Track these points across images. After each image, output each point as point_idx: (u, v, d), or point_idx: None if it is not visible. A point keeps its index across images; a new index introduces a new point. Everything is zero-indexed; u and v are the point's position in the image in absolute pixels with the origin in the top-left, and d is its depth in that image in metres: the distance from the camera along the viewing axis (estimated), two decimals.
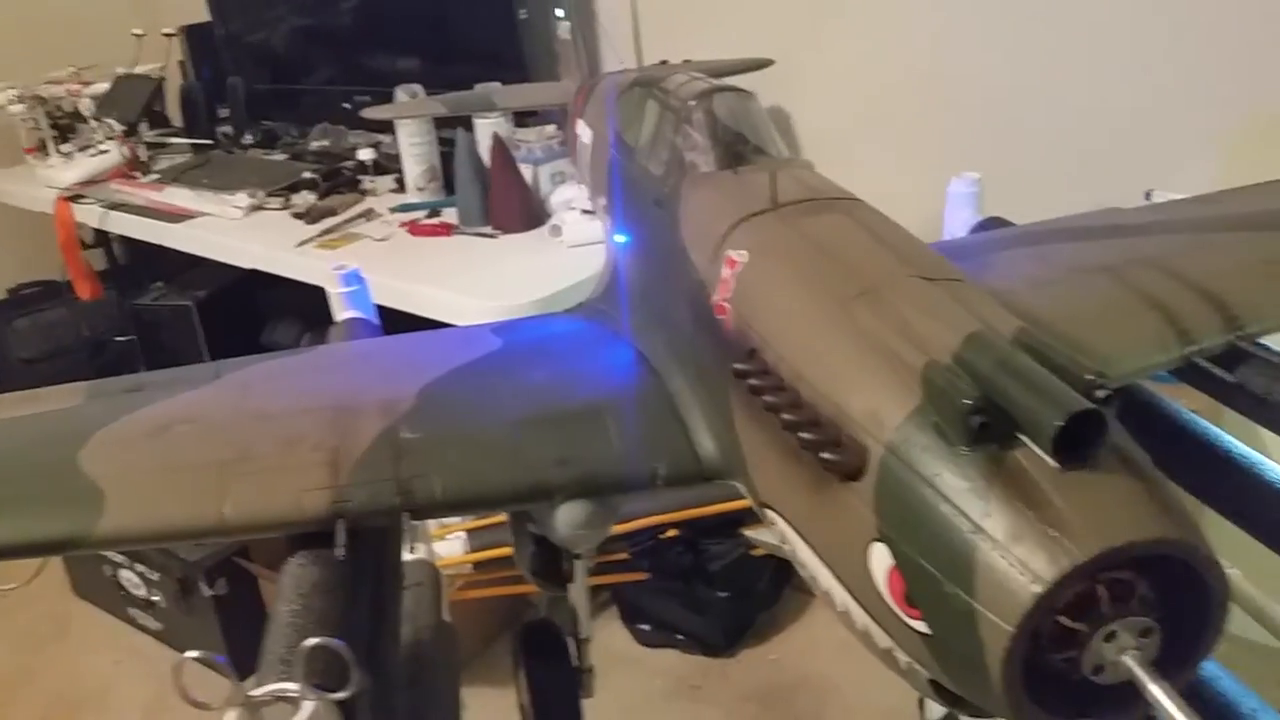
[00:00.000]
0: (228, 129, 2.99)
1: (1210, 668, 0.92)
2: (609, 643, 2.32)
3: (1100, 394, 0.51)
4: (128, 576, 2.37)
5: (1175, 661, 0.50)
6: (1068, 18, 1.93)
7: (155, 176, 2.68)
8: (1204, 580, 0.48)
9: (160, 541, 0.76)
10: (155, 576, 2.30)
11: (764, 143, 0.92)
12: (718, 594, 2.21)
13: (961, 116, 2.08)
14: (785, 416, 0.62)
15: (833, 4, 2.18)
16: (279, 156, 2.82)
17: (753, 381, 0.67)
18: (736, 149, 0.90)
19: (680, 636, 2.27)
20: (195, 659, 0.59)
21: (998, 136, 2.04)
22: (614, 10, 2.26)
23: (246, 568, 2.19)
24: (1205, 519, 0.93)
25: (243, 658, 0.74)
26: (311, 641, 0.60)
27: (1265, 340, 0.85)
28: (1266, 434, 0.86)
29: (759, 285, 0.73)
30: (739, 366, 0.69)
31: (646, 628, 2.30)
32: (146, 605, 2.39)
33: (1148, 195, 1.68)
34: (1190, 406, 0.95)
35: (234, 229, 2.34)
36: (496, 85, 2.16)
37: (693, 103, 0.93)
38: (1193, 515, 0.50)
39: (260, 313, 2.78)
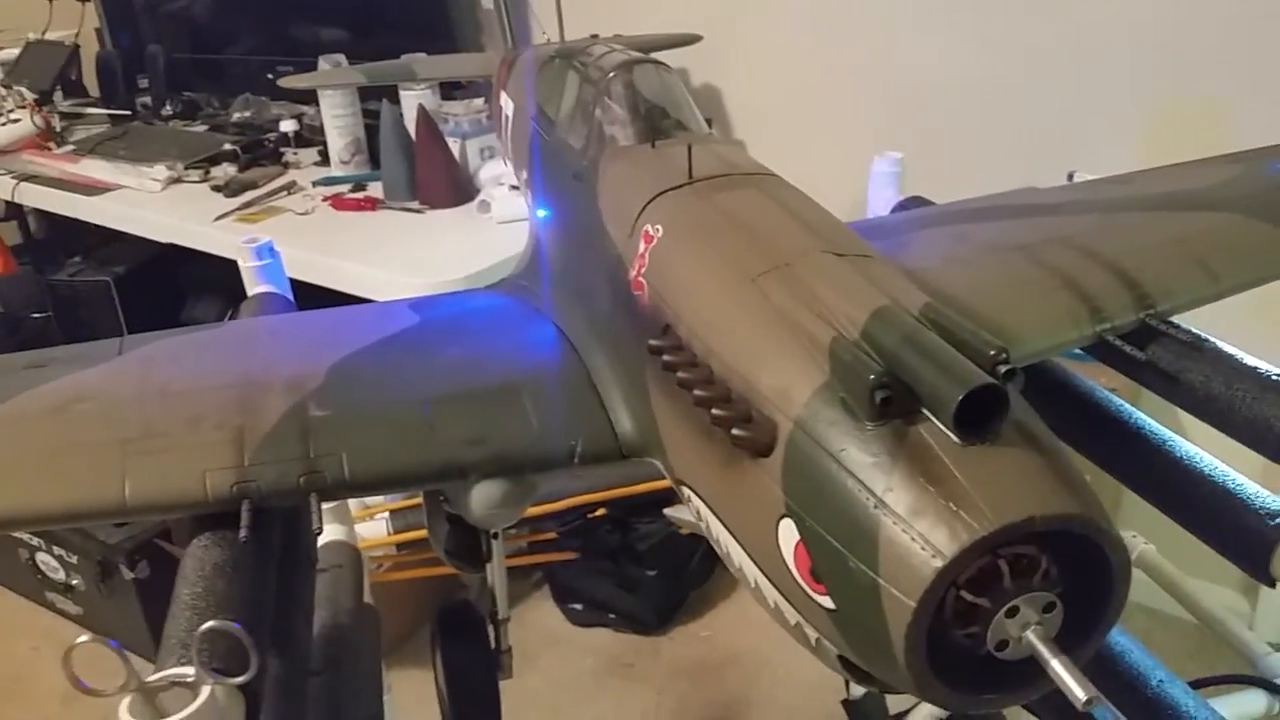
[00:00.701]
0: (147, 99, 2.90)
1: (1122, 640, 0.94)
2: (541, 623, 2.31)
3: (1003, 369, 0.51)
4: (45, 560, 2.31)
5: (1078, 636, 0.50)
6: (993, 2, 1.95)
7: (70, 148, 2.59)
8: (1105, 555, 0.49)
9: (58, 523, 0.73)
10: (74, 560, 2.24)
11: (684, 117, 0.91)
12: (647, 572, 2.21)
13: (886, 96, 2.10)
14: (697, 393, 0.62)
15: None
16: (200, 128, 2.74)
17: (666, 358, 0.66)
18: (656, 122, 0.89)
19: (612, 615, 2.28)
20: (87, 642, 0.57)
21: (921, 118, 2.06)
22: None
23: (168, 550, 2.14)
24: (1124, 496, 0.95)
25: None
26: (209, 624, 0.58)
27: (1175, 319, 0.86)
28: (1180, 411, 0.88)
29: (673, 261, 0.72)
30: (653, 343, 0.68)
31: (578, 607, 2.30)
32: (65, 589, 2.33)
33: (1070, 177, 1.70)
34: (1109, 385, 0.97)
35: (151, 202, 2.27)
36: (422, 56, 2.12)
37: (612, 74, 0.91)
38: (1094, 490, 0.50)
39: (181, 288, 2.71)
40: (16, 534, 2.26)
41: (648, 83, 0.92)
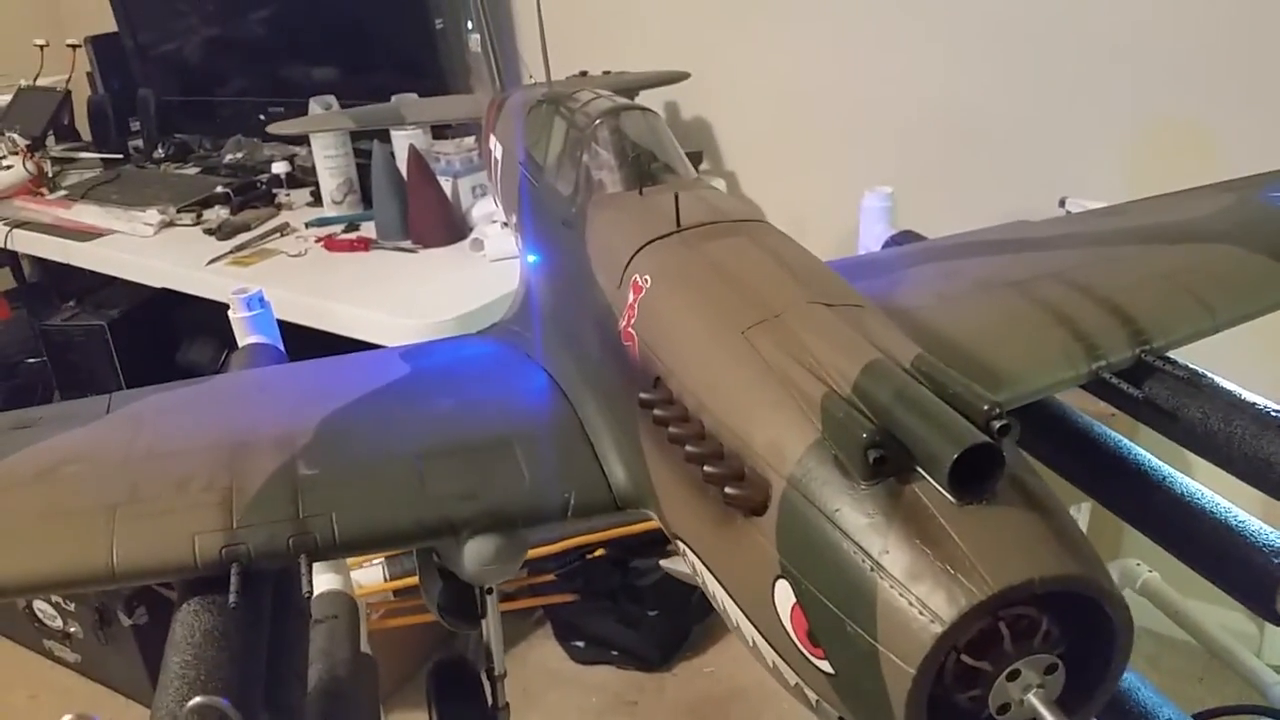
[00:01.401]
0: (139, 142, 2.90)
1: (1130, 678, 0.93)
2: (543, 661, 2.29)
3: (998, 425, 0.50)
4: (42, 608, 2.29)
5: (1081, 696, 0.49)
6: (977, 33, 1.95)
7: (63, 193, 2.59)
8: (1107, 614, 0.48)
9: (45, 592, 0.72)
10: (71, 607, 2.22)
11: (671, 161, 0.91)
12: (648, 612, 2.19)
13: (875, 131, 2.10)
14: (689, 449, 0.61)
15: (746, 19, 2.18)
16: (192, 170, 2.74)
17: (658, 412, 0.65)
18: (644, 167, 0.89)
19: (615, 653, 2.26)
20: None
21: (910, 151, 2.06)
22: (529, 22, 2.24)
23: (167, 595, 2.12)
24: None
25: None
26: (196, 701, 0.57)
27: (1171, 354, 0.86)
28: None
29: (662, 312, 0.71)
30: (644, 396, 0.67)
31: (580, 645, 2.28)
32: (63, 637, 2.31)
33: (1062, 203, 1.70)
34: (1106, 413, 0.96)
35: (144, 247, 2.27)
36: (412, 97, 2.12)
37: (599, 121, 0.91)
38: (1093, 547, 0.49)
39: (176, 332, 2.70)
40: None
41: (635, 128, 0.92)
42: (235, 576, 0.69)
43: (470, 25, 2.21)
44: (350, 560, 1.44)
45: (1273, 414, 0.79)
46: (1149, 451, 0.90)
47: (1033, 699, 0.47)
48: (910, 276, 0.97)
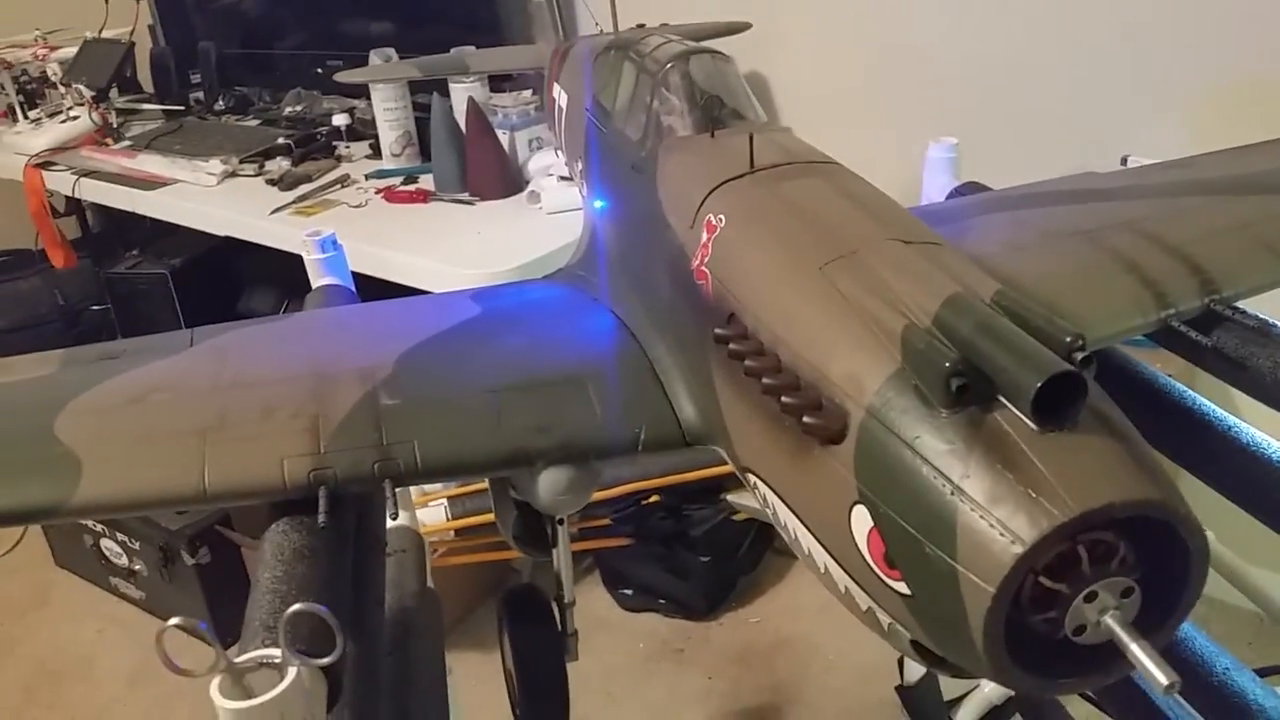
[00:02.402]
0: (199, 95, 2.94)
1: (1185, 628, 0.94)
2: (591, 608, 2.33)
3: (1079, 356, 0.51)
4: (109, 546, 2.37)
5: (1155, 621, 0.50)
6: None
7: (127, 143, 2.64)
8: (1183, 541, 0.49)
9: (139, 510, 0.75)
10: (137, 545, 2.30)
11: (741, 106, 0.91)
12: (700, 559, 2.22)
13: (938, 83, 2.08)
14: (766, 381, 0.62)
15: None
16: (252, 122, 2.78)
17: (733, 346, 0.67)
18: (714, 112, 0.89)
19: (662, 601, 2.29)
20: (178, 626, 0.59)
21: (974, 103, 2.04)
22: None
23: (229, 536, 2.19)
24: (1181, 482, 0.94)
25: (227, 627, 0.73)
26: (296, 607, 0.59)
27: (1241, 304, 0.86)
28: (1239, 398, 0.87)
29: (737, 250, 0.72)
30: (719, 331, 0.69)
31: (629, 592, 2.31)
32: (129, 574, 2.39)
33: (1124, 161, 1.68)
34: (1167, 370, 0.96)
35: (208, 196, 2.31)
36: (471, 49, 2.13)
37: (670, 65, 0.92)
38: (1170, 476, 0.50)
39: (237, 281, 2.75)
40: (82, 521, 2.32)
41: (704, 73, 0.93)
42: (324, 498, 0.72)
43: None
44: (415, 499, 1.49)
45: None
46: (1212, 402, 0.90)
47: (1109, 620, 0.48)
48: (977, 225, 0.97)
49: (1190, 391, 0.92)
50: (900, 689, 1.60)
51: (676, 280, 0.80)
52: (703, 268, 0.75)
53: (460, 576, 2.04)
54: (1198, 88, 1.84)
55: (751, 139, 0.79)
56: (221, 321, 0.93)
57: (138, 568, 2.35)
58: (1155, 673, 0.46)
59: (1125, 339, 0.86)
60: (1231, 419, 0.87)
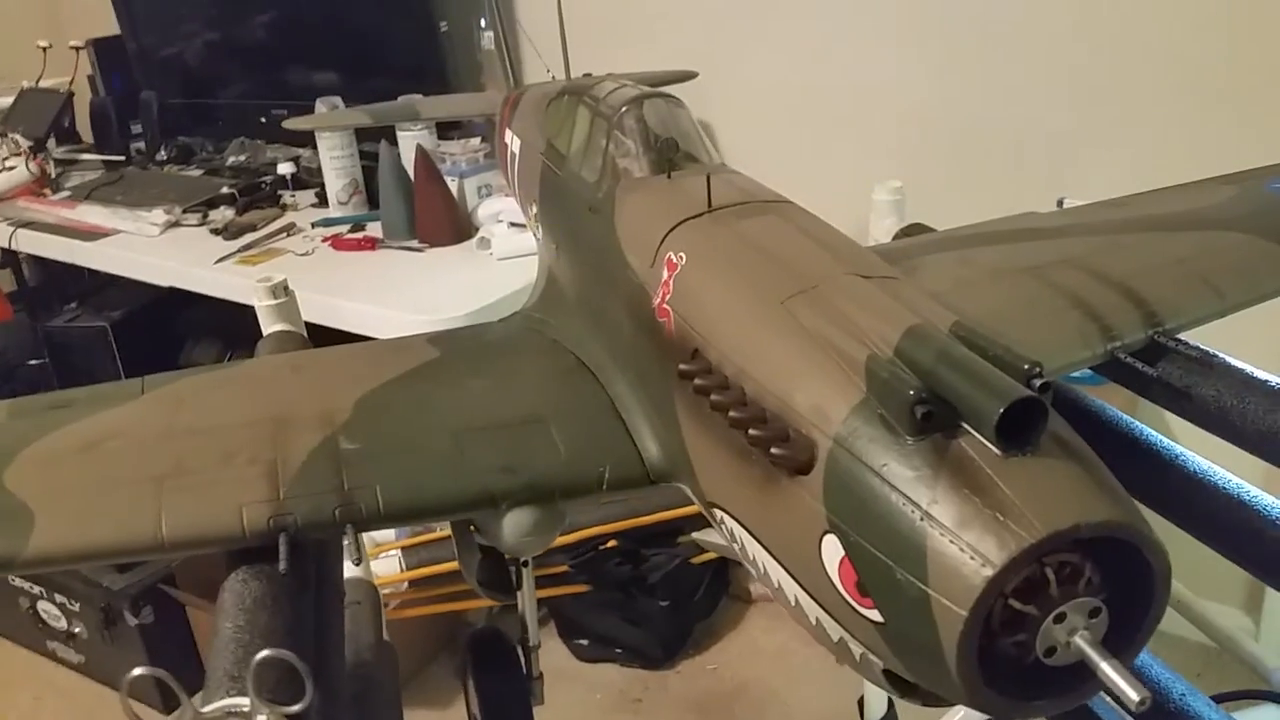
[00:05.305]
0: (141, 145, 2.92)
1: (1142, 656, 0.95)
2: (547, 659, 2.27)
3: (1038, 382, 0.52)
4: (46, 608, 2.29)
5: (1122, 640, 0.51)
6: (979, 36, 1.99)
7: (66, 194, 2.60)
8: (1147, 560, 0.50)
9: (94, 560, 0.73)
10: (76, 607, 2.23)
11: (694, 148, 0.93)
12: (658, 603, 2.21)
13: (882, 128, 2.13)
14: (733, 414, 0.63)
15: (754, 19, 2.21)
16: (195, 172, 2.76)
17: (698, 381, 0.67)
18: (668, 154, 0.91)
19: (619, 650, 2.27)
20: (143, 675, 0.57)
21: (917, 146, 2.09)
22: (538, 22, 2.26)
23: (174, 595, 2.13)
24: None
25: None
26: (264, 653, 0.58)
27: (1183, 336, 0.88)
28: (1179, 427, 0.89)
29: (699, 286, 0.73)
30: (684, 367, 0.69)
31: (584, 643, 2.29)
32: (67, 637, 2.31)
33: (1060, 203, 1.73)
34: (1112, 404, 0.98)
35: (151, 246, 2.28)
36: (419, 96, 2.14)
37: (625, 109, 0.93)
38: (1130, 498, 0.51)
39: (179, 333, 2.71)
40: (16, 582, 2.25)
41: (658, 116, 0.94)
42: (284, 544, 0.70)
43: (483, 24, 2.24)
44: (369, 550, 1.46)
45: None
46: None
47: (1079, 640, 0.49)
48: (925, 264, 0.99)
49: (1138, 423, 0.94)
50: None
51: (637, 318, 0.81)
52: (664, 305, 0.76)
53: (414, 629, 2.00)
54: (1131, 133, 1.91)
55: (709, 179, 0.80)
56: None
57: (77, 630, 2.27)
58: (1126, 689, 0.46)
59: (1073, 373, 0.88)
60: (1179, 448, 0.90)
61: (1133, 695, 0.46)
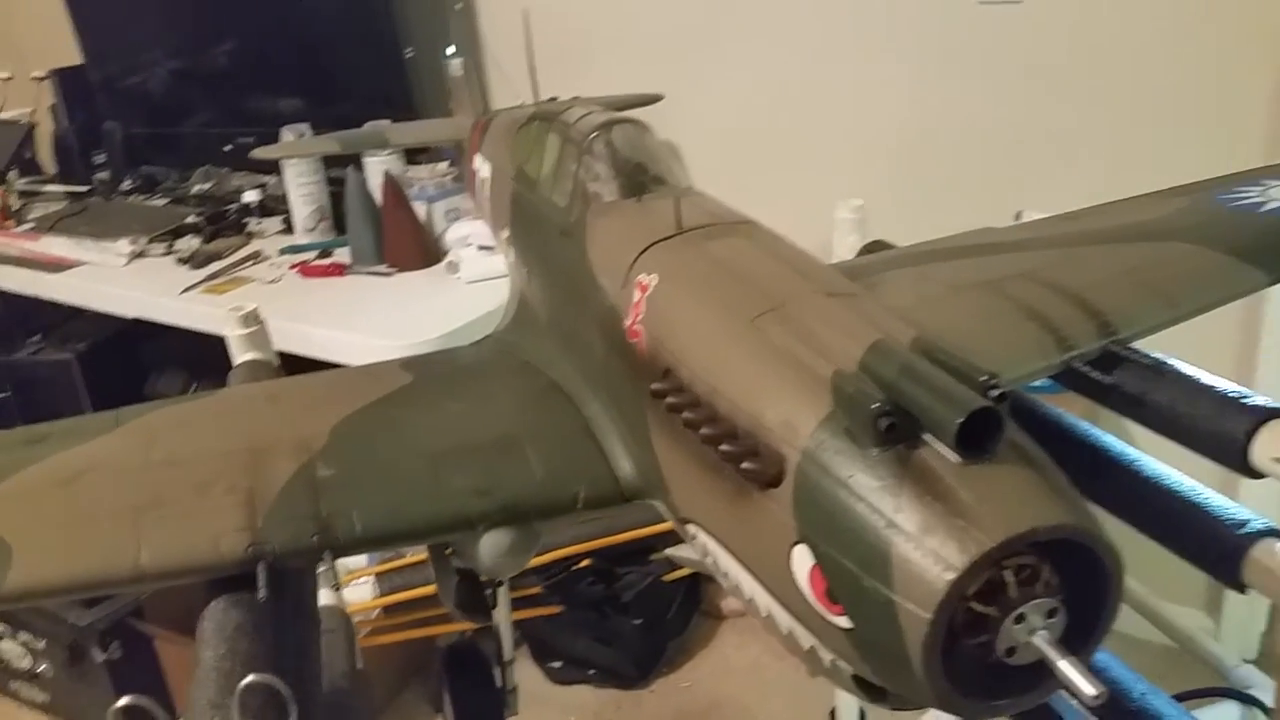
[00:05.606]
0: (104, 175, 2.90)
1: (1102, 657, 0.98)
2: (520, 682, 2.29)
3: (994, 393, 0.54)
4: (9, 648, 2.26)
5: (1079, 639, 0.53)
6: (940, 57, 2.04)
7: (30, 225, 2.59)
8: (1101, 561, 0.52)
9: (71, 594, 0.74)
10: (42, 645, 2.20)
11: (662, 172, 0.95)
12: (632, 622, 2.22)
13: (842, 148, 2.17)
14: (704, 431, 0.65)
15: (716, 43, 2.25)
16: (160, 202, 2.75)
17: (670, 400, 0.69)
18: (637, 178, 0.93)
19: (592, 671, 2.27)
20: (129, 705, 0.58)
21: (877, 165, 2.13)
22: (505, 47, 2.29)
23: (142, 629, 2.11)
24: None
25: None
26: (249, 679, 0.59)
27: (1136, 345, 0.91)
28: (1135, 433, 0.92)
29: (670, 306, 0.75)
30: (656, 386, 0.71)
31: (558, 665, 2.29)
32: (31, 677, 2.28)
33: (1018, 216, 1.77)
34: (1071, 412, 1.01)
35: (116, 277, 2.27)
36: (386, 123, 2.15)
37: (594, 135, 0.95)
38: (1084, 501, 0.54)
39: (144, 364, 2.69)
40: None
41: (627, 141, 0.96)
42: (263, 571, 0.71)
43: (452, 50, 2.26)
44: (341, 577, 1.46)
45: (1230, 394, 0.84)
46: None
47: (1037, 640, 0.51)
48: (887, 280, 1.02)
49: (1095, 429, 0.97)
50: None
51: (609, 339, 0.82)
52: (636, 326, 0.78)
53: (387, 656, 2.00)
54: (1085, 149, 1.96)
55: (677, 202, 0.82)
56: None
57: (42, 668, 2.24)
58: (1082, 685, 0.48)
59: (1031, 382, 0.91)
60: (1135, 452, 0.92)
61: (1088, 690, 0.48)
